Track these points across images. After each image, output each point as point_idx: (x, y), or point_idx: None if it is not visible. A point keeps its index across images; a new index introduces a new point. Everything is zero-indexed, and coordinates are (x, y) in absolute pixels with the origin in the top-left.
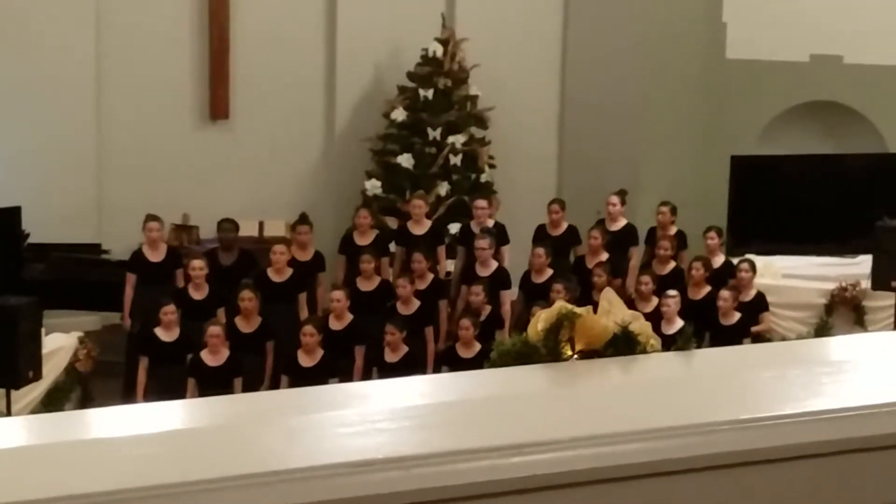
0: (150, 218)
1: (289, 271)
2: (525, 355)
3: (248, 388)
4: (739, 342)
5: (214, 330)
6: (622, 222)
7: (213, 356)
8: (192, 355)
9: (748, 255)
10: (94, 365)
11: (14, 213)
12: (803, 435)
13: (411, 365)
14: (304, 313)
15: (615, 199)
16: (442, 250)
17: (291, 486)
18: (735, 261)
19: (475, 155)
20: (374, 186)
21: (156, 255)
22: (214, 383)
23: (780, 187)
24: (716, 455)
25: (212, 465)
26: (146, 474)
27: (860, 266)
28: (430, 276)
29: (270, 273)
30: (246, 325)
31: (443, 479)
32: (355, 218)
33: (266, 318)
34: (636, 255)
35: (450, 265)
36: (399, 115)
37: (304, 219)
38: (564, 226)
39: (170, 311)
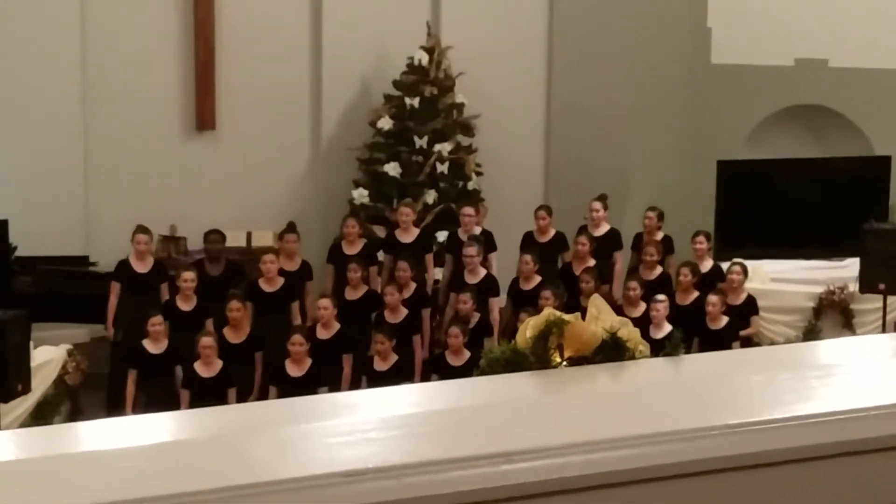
0: (140, 230)
1: (280, 281)
2: (514, 363)
3: (237, 398)
4: (728, 346)
5: (207, 341)
6: (605, 227)
7: (207, 367)
8: (185, 367)
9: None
10: (82, 377)
11: (1, 227)
12: (793, 439)
13: (401, 373)
14: (296, 322)
15: (597, 206)
16: (430, 258)
17: (282, 497)
18: (725, 264)
19: (462, 163)
20: (361, 195)
21: (142, 266)
22: (208, 394)
23: (766, 191)
24: (706, 460)
25: (202, 476)
26: (137, 487)
27: (848, 269)
28: (414, 285)
29: (261, 283)
30: (235, 336)
31: (433, 488)
32: (343, 227)
33: (259, 328)
34: (620, 259)
35: (438, 273)
36: (385, 123)
37: (291, 227)
38: (552, 232)
39: (157, 323)
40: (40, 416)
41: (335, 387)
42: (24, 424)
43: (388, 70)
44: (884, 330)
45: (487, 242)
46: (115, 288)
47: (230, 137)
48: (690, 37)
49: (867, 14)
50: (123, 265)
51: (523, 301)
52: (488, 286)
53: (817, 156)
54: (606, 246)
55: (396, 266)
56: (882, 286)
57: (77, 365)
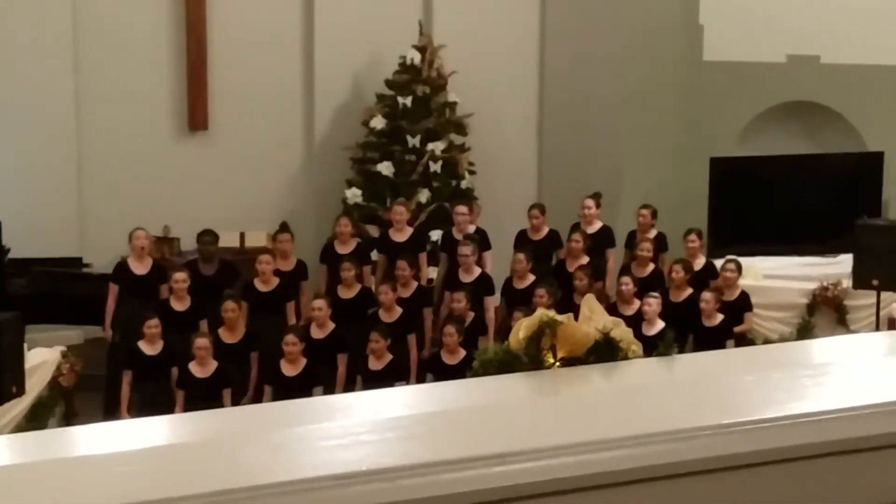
0: (138, 229)
1: (275, 281)
2: (507, 364)
3: (232, 398)
4: (722, 343)
5: (202, 342)
6: (598, 225)
7: (202, 368)
8: (179, 368)
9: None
10: (77, 379)
11: None
12: (786, 438)
13: (396, 373)
14: (292, 322)
15: (590, 203)
16: (423, 257)
17: (276, 500)
18: (718, 262)
19: (455, 161)
20: (354, 195)
21: (141, 268)
22: (203, 395)
23: (759, 188)
24: (699, 460)
25: (197, 480)
26: (132, 491)
27: (841, 265)
28: (414, 284)
29: (257, 283)
30: (230, 336)
31: (426, 490)
32: (336, 227)
33: (254, 328)
34: (613, 256)
35: (431, 272)
36: (378, 122)
37: (284, 227)
38: (545, 230)
39: (153, 325)
40: (35, 418)
41: (330, 386)
42: (18, 426)
43: (380, 69)
44: (878, 326)
45: (482, 241)
46: (113, 290)
47: (223, 137)
48: (683, 34)
49: (859, 10)
50: (122, 267)
51: (517, 300)
52: (483, 285)
53: (810, 152)
54: (599, 243)
55: (396, 265)
56: (876, 282)
57: (71, 366)
